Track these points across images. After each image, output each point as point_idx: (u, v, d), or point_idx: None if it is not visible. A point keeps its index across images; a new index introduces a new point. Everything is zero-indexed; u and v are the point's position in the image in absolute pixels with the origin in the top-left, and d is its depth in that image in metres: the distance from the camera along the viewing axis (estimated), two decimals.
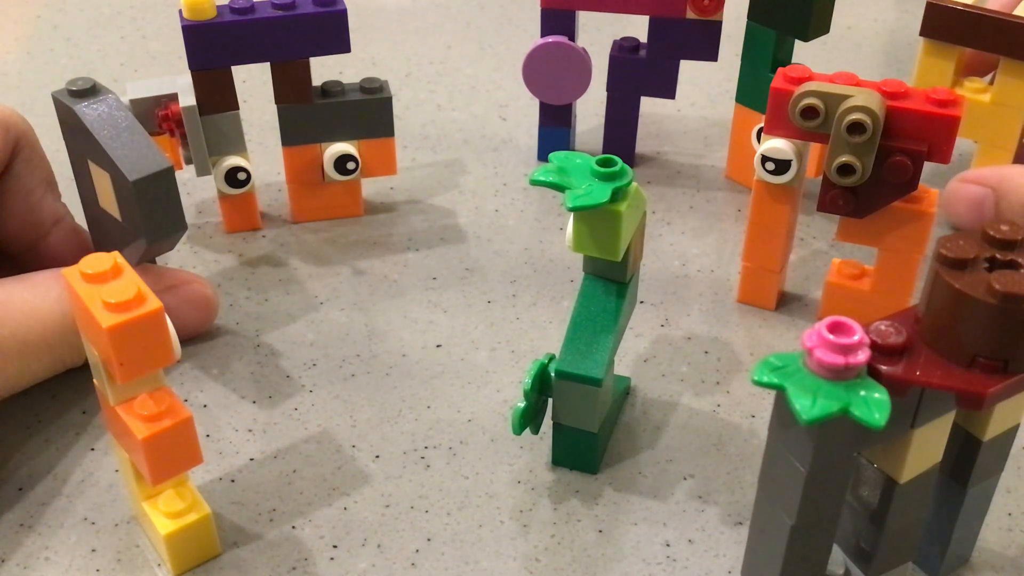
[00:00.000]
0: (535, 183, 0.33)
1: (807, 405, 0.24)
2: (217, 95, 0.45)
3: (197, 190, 0.52)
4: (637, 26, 0.52)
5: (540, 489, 0.36)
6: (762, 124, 0.42)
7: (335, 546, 0.34)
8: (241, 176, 0.47)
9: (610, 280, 0.36)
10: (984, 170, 0.45)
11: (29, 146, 0.41)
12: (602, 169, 0.33)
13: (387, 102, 0.47)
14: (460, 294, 0.46)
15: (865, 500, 0.30)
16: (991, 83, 0.47)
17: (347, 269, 0.47)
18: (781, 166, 0.41)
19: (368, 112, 0.47)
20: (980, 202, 0.45)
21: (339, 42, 0.46)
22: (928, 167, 0.39)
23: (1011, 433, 0.30)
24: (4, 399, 0.37)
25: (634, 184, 0.34)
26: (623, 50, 0.51)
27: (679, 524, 0.35)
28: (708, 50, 0.50)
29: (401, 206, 0.52)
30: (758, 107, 0.49)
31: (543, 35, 0.51)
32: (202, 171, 0.47)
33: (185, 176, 0.49)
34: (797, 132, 0.40)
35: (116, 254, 0.30)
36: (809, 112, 0.38)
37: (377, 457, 0.38)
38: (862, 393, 0.24)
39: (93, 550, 0.34)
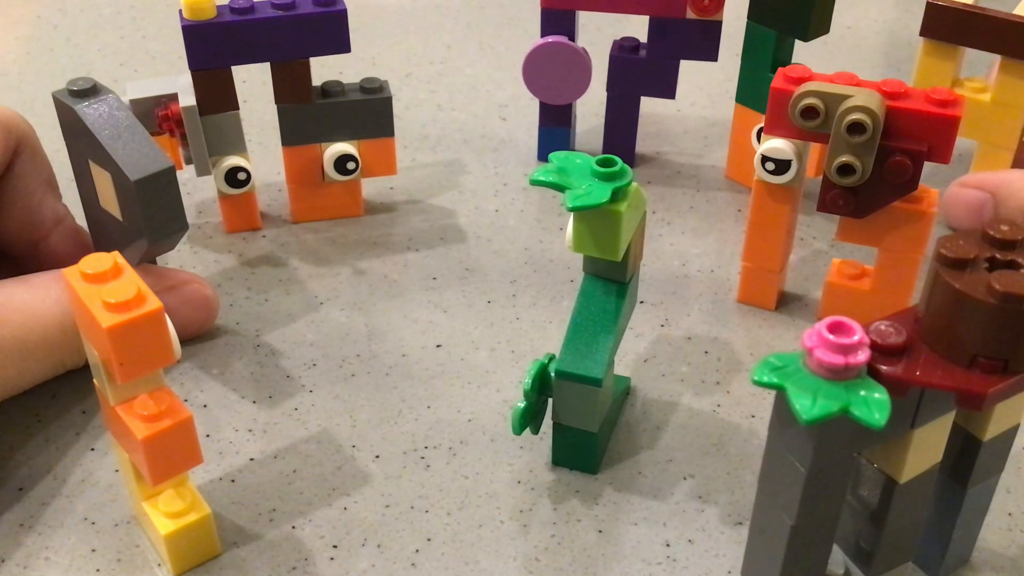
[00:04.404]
0: (535, 183, 0.33)
1: (807, 405, 0.24)
2: (217, 95, 0.45)
3: (197, 190, 0.52)
4: (637, 26, 0.52)
5: (540, 489, 0.36)
6: (762, 124, 0.42)
7: (335, 546, 0.34)
8: (241, 176, 0.47)
9: (610, 280, 0.36)
10: (983, 175, 0.46)
11: (30, 147, 0.41)
12: (602, 169, 0.33)
13: (387, 102, 0.47)
14: (460, 294, 0.46)
15: (865, 500, 0.30)
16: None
17: (347, 269, 0.47)
18: (781, 166, 0.41)
19: (368, 112, 0.47)
20: (979, 206, 0.45)
21: (339, 42, 0.46)
22: (928, 167, 0.39)
23: (1011, 433, 0.30)
24: (4, 400, 0.37)
25: (634, 184, 0.34)
26: (623, 50, 0.51)
27: (679, 524, 0.35)
28: (708, 50, 0.50)
29: (401, 206, 0.52)
30: (758, 107, 0.49)
31: (543, 35, 0.51)
32: (202, 171, 0.47)
33: (185, 176, 0.49)
34: (797, 132, 0.40)
35: (116, 254, 0.30)
36: (809, 112, 0.38)
37: (377, 457, 0.38)
38: (862, 393, 0.24)
39: (93, 550, 0.34)
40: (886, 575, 0.31)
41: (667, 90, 0.52)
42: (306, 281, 0.46)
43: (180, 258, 0.48)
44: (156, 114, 0.45)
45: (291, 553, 0.34)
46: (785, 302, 0.46)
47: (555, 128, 0.54)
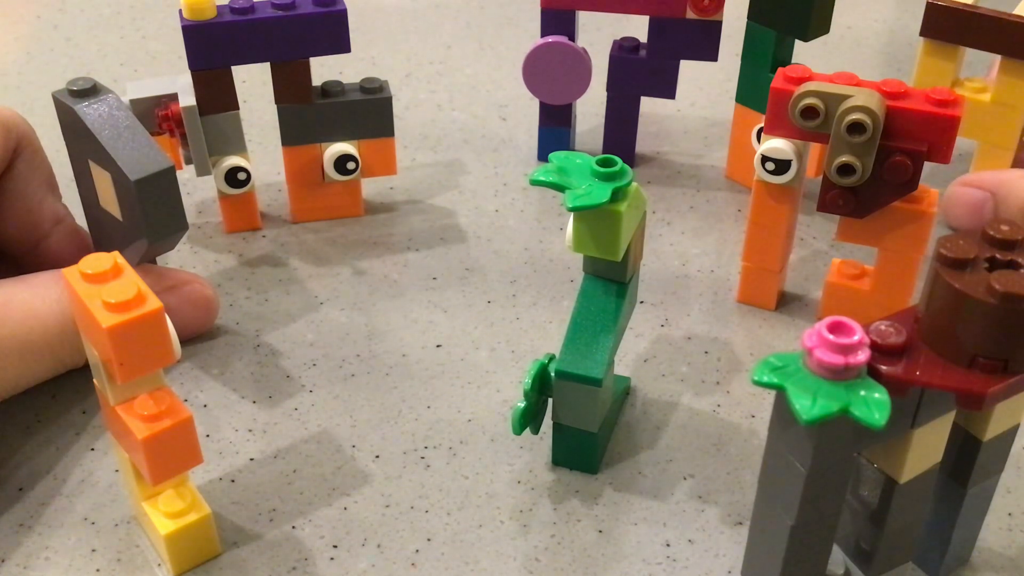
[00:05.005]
0: (535, 183, 0.33)
1: (807, 405, 0.24)
2: (217, 95, 0.45)
3: (197, 190, 0.52)
4: (637, 26, 0.52)
5: (540, 489, 0.36)
6: (762, 124, 0.42)
7: (335, 546, 0.34)
8: (241, 176, 0.47)
9: (610, 280, 0.36)
10: (983, 174, 0.46)
11: (30, 147, 0.41)
12: (602, 169, 0.33)
13: (387, 102, 0.47)
14: (460, 294, 0.46)
15: (865, 500, 0.30)
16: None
17: (347, 269, 0.47)
18: (781, 166, 0.41)
19: (368, 112, 0.47)
20: (979, 206, 0.45)
21: (339, 42, 0.46)
22: (928, 167, 0.39)
23: (1011, 433, 0.30)
24: (4, 400, 0.37)
25: (634, 184, 0.34)
26: (623, 50, 0.51)
27: (679, 524, 0.35)
28: (708, 50, 0.50)
29: (401, 206, 0.52)
30: (758, 107, 0.49)
31: (543, 35, 0.51)
32: (202, 171, 0.47)
33: (185, 176, 0.49)
34: (797, 132, 0.40)
35: (116, 254, 0.30)
36: (809, 112, 0.38)
37: (377, 457, 0.38)
38: (862, 393, 0.24)
39: (93, 550, 0.34)
40: (886, 575, 0.31)
41: (667, 90, 0.52)
42: (306, 281, 0.46)
43: (180, 258, 0.48)
44: (156, 114, 0.45)
45: (291, 553, 0.34)
46: (785, 302, 0.46)
47: (555, 128, 0.54)
